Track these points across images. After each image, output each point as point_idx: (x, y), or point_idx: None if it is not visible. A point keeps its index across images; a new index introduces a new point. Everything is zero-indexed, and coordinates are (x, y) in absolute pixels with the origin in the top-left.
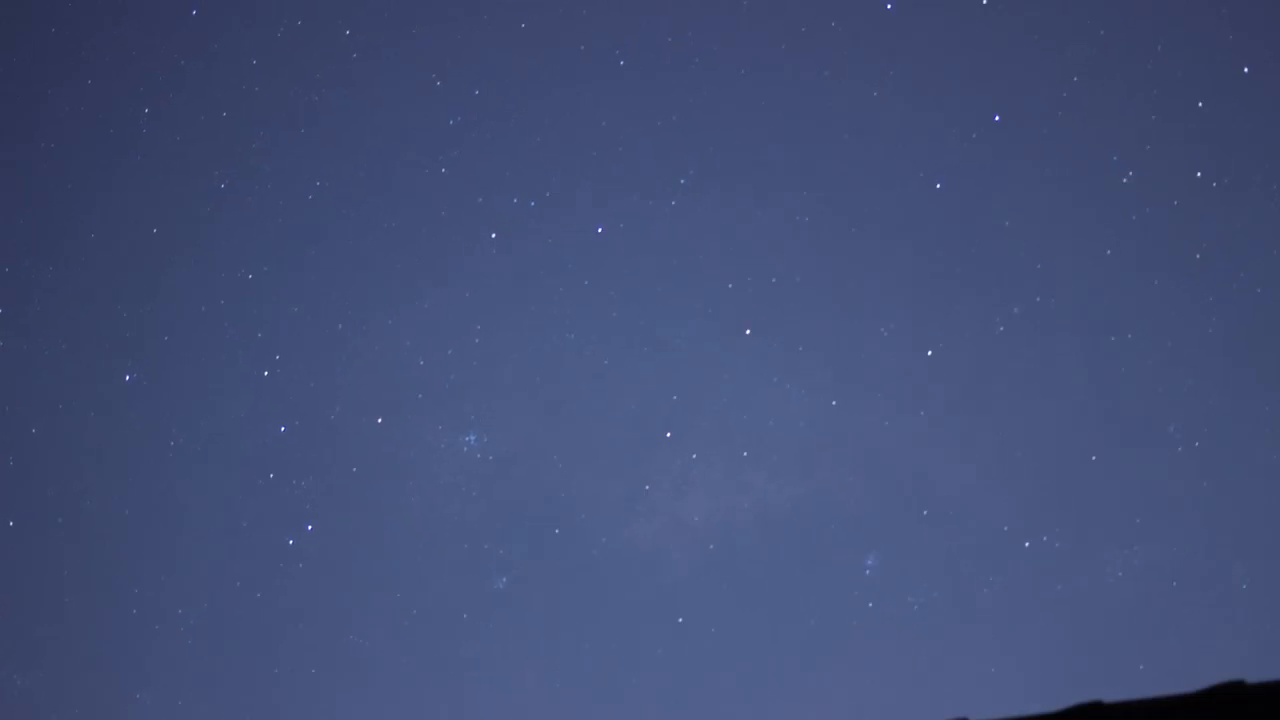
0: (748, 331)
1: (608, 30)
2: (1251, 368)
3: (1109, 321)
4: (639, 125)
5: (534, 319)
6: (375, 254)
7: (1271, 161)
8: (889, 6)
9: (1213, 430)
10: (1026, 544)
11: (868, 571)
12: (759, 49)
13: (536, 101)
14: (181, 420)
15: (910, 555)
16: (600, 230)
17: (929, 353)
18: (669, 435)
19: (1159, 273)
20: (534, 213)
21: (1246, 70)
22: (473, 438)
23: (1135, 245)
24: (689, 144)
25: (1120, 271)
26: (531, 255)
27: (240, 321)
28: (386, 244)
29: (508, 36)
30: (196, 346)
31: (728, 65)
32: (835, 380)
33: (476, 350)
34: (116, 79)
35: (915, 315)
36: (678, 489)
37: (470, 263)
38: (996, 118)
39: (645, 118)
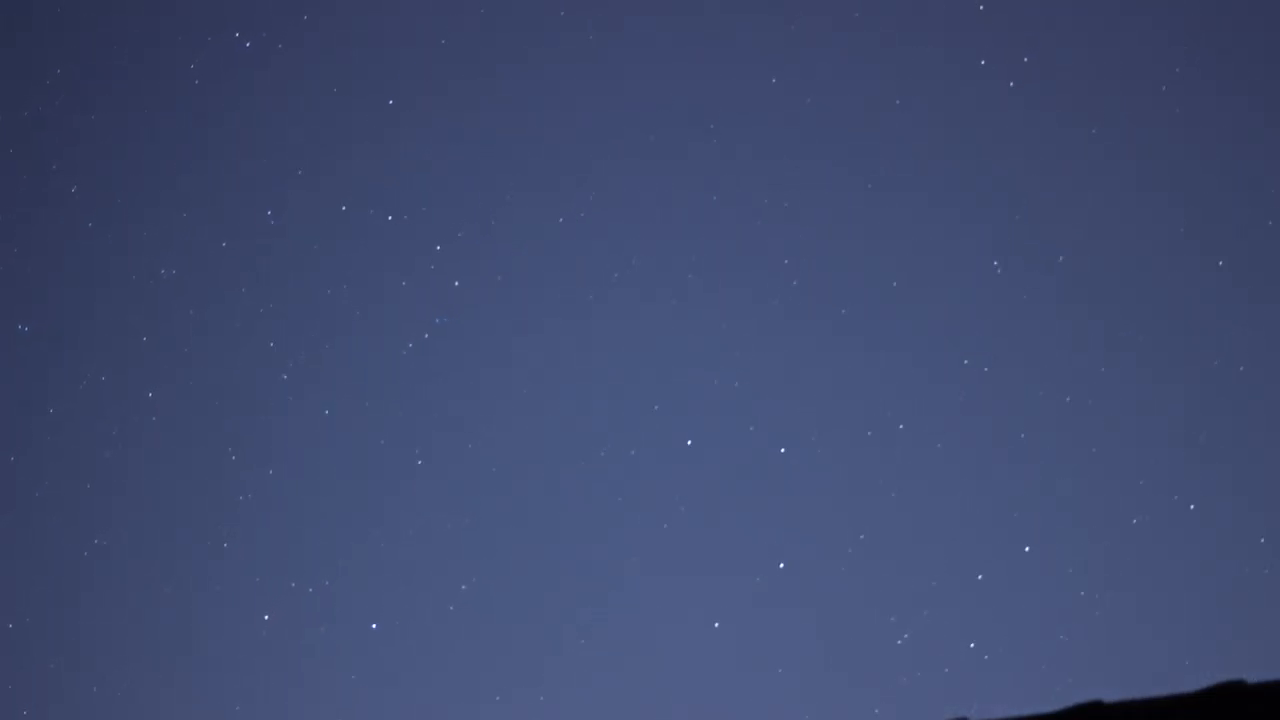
0: None
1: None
2: None
3: None
4: (416, 532)
5: (297, 710)
6: (140, 621)
7: (1040, 637)
8: (689, 441)
9: None
10: None
11: None
12: (565, 451)
13: (313, 496)
14: None
15: None
16: (374, 627)
17: None
18: None
19: None
20: (310, 600)
21: (1027, 549)
22: None
23: (905, 707)
24: (467, 553)
25: None
26: (304, 643)
27: None
28: (153, 611)
29: (308, 421)
30: None
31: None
32: None
33: None
34: None
35: None
36: None
37: (240, 643)
38: (781, 565)
39: (425, 526)
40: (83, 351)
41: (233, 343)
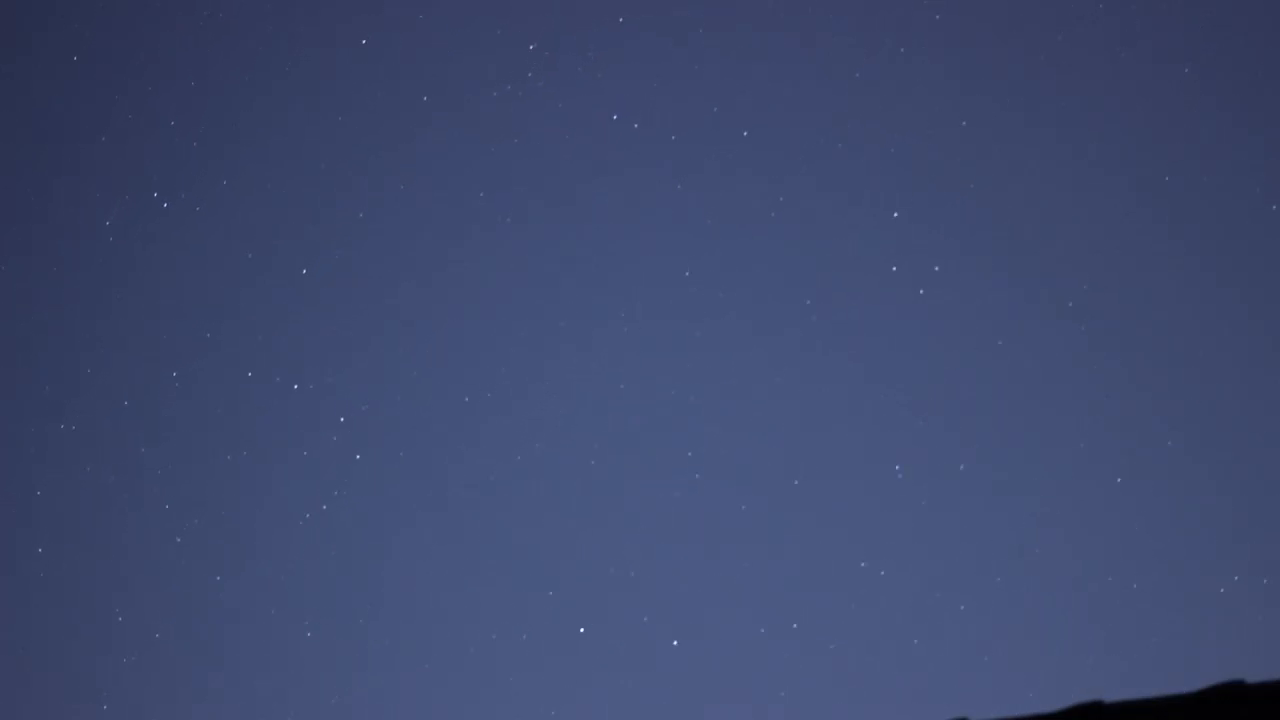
0: None
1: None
2: None
3: None
4: (302, 705)
5: None
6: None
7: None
8: (581, 629)
9: None
10: None
11: None
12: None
13: (198, 664)
14: None
15: None
16: None
17: None
18: None
19: None
20: None
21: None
22: None
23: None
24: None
25: None
26: None
27: None
28: None
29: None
30: None
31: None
32: None
33: None
34: None
35: None
36: None
37: None
38: None
39: (312, 700)
40: None
41: (128, 503)
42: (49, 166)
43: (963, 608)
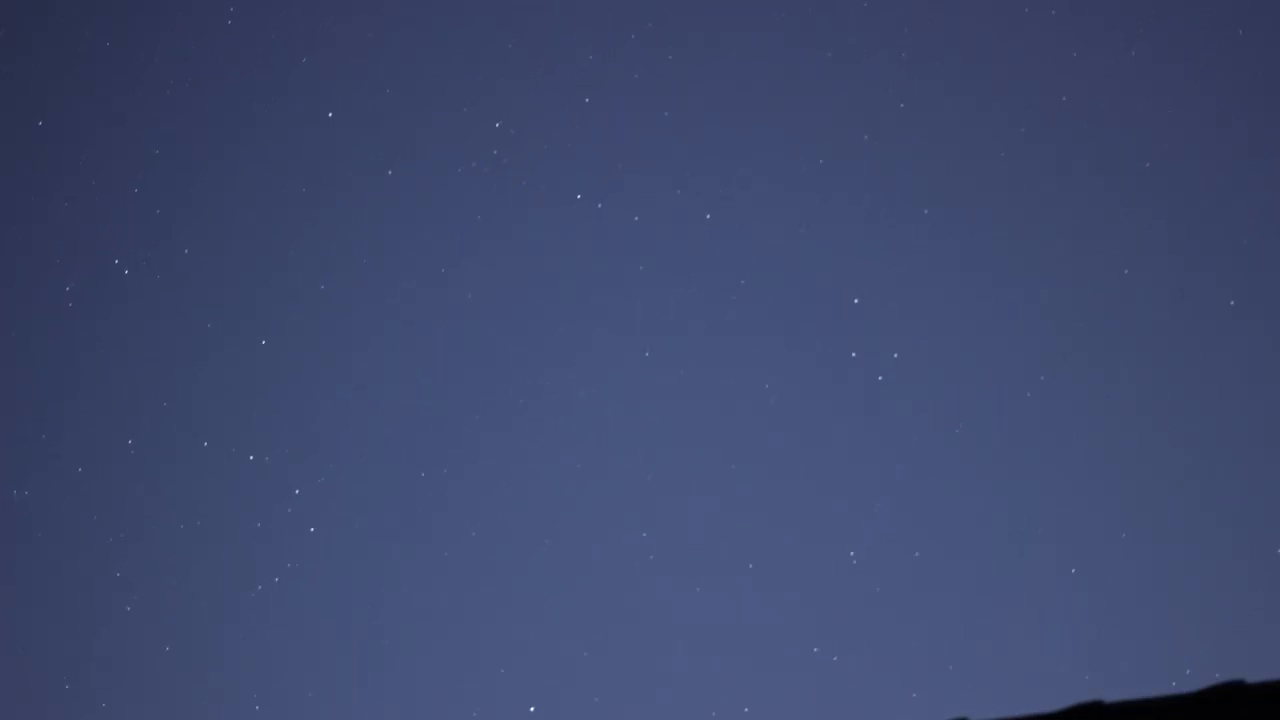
0: None
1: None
2: None
3: None
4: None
5: None
6: None
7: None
8: (531, 708)
9: None
10: None
11: None
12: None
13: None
14: None
15: None
16: None
17: None
18: None
19: None
20: None
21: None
22: None
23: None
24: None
25: None
26: None
27: None
28: None
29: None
30: None
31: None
32: None
33: None
34: None
35: None
36: None
37: None
38: None
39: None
40: None
41: (80, 570)
42: (8, 232)
43: (917, 691)
